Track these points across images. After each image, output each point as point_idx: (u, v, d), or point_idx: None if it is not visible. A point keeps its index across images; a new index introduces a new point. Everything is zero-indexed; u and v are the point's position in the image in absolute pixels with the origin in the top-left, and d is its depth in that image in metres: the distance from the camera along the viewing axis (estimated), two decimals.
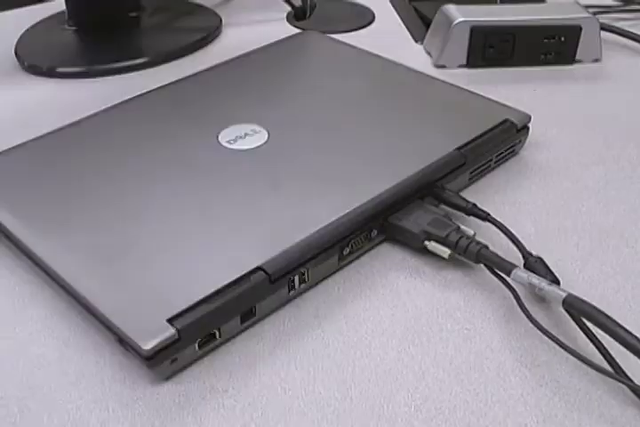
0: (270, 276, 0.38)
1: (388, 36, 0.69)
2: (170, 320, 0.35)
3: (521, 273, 0.38)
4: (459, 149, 0.46)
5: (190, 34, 0.68)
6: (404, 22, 0.71)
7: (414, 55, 0.65)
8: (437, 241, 0.42)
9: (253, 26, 0.72)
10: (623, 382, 0.34)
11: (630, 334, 0.34)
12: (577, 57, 0.62)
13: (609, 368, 0.35)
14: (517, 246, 0.42)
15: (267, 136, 0.48)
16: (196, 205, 0.42)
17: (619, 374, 0.35)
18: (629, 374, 0.35)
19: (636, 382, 0.35)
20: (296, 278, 0.39)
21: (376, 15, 0.73)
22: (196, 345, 0.36)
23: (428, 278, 0.42)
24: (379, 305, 0.40)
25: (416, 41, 0.67)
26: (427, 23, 0.67)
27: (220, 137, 0.48)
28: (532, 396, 0.35)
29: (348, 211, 0.41)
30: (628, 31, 0.65)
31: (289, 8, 0.73)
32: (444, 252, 0.41)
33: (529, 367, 0.36)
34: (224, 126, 0.48)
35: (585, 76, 0.61)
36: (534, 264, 0.40)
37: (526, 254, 0.41)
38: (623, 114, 0.56)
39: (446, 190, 0.45)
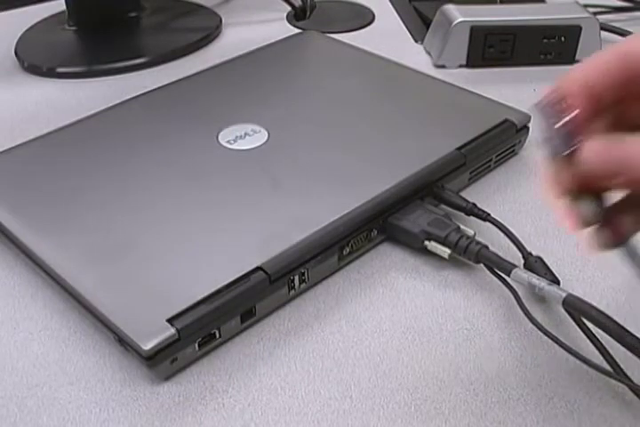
0: (270, 276, 0.38)
1: (388, 36, 0.69)
2: (170, 320, 0.35)
3: (521, 273, 0.38)
4: (459, 149, 0.46)
5: (190, 34, 0.68)
6: (404, 22, 0.71)
7: (414, 55, 0.65)
8: (437, 241, 0.42)
9: (253, 26, 0.72)
10: (623, 382, 0.34)
11: (630, 334, 0.34)
12: (577, 57, 0.62)
13: (609, 368, 0.35)
14: (517, 246, 0.42)
15: (267, 136, 0.48)
16: (195, 204, 0.42)
17: (618, 374, 0.35)
18: (629, 373, 0.35)
19: (635, 382, 0.35)
20: (296, 278, 0.39)
21: (376, 15, 0.73)
22: (196, 345, 0.36)
23: (428, 278, 0.42)
24: (378, 305, 0.40)
25: (416, 41, 0.67)
26: (427, 23, 0.67)
27: (219, 137, 0.48)
28: (531, 396, 0.35)
29: (347, 211, 0.41)
30: (628, 31, 0.65)
31: (289, 8, 0.73)
32: (444, 252, 0.41)
33: (529, 367, 0.36)
34: (224, 126, 0.48)
35: None
36: (534, 264, 0.40)
37: (526, 254, 0.41)
38: None
39: (446, 190, 0.45)
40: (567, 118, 0.23)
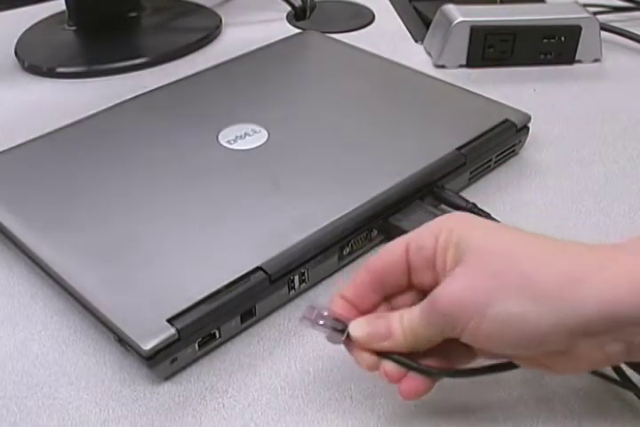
0: (270, 276, 0.38)
1: (388, 36, 0.69)
2: (170, 320, 0.35)
3: None
4: (459, 148, 0.46)
5: (190, 34, 0.68)
6: (403, 22, 0.71)
7: (414, 55, 0.65)
8: None
9: (253, 26, 0.72)
10: (628, 388, 0.34)
11: None
12: (577, 57, 0.62)
13: (614, 376, 0.35)
14: None
15: (267, 136, 0.47)
16: (195, 204, 0.42)
17: (624, 380, 0.35)
18: (629, 373, 0.35)
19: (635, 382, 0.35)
20: (296, 278, 0.39)
21: (376, 15, 0.73)
22: (196, 345, 0.36)
23: None
24: None
25: (416, 41, 0.67)
26: (427, 23, 0.67)
27: (219, 137, 0.47)
28: (531, 396, 0.35)
29: (348, 211, 0.41)
30: (628, 31, 0.65)
31: (289, 8, 0.73)
32: None
33: None
34: (224, 126, 0.48)
35: (585, 75, 0.61)
36: None
37: None
38: (623, 114, 0.56)
39: (446, 190, 0.45)
40: (330, 321, 0.31)
